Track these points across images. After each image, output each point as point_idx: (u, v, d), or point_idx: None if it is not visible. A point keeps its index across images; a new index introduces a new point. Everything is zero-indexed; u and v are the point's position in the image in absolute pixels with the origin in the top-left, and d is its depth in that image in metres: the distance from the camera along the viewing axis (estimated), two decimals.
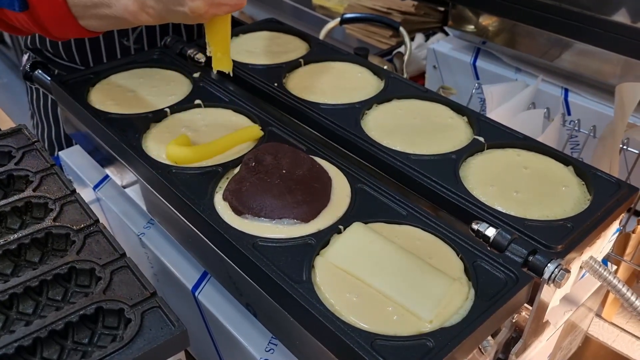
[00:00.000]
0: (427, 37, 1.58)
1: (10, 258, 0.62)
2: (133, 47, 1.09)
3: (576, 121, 1.11)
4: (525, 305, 0.63)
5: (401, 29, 1.24)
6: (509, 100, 1.06)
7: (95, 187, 0.91)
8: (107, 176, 0.92)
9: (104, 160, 0.89)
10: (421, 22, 1.71)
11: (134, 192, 0.86)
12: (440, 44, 1.36)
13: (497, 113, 1.02)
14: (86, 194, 0.92)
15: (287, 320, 0.59)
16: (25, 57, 1.15)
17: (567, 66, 1.17)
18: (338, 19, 1.28)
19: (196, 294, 0.74)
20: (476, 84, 1.24)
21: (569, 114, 1.17)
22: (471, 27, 1.29)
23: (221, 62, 0.80)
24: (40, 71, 0.95)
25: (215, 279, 0.73)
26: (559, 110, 1.16)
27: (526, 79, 1.21)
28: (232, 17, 1.18)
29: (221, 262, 0.67)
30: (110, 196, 0.89)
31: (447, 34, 1.49)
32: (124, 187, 0.87)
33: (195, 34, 1.17)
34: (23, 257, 0.63)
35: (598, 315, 0.96)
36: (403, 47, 1.48)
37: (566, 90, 1.17)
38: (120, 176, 0.87)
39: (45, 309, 0.58)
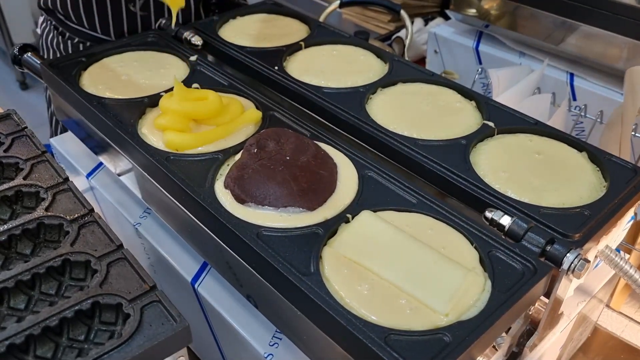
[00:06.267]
0: (426, 22, 1.55)
1: (0, 250, 0.59)
2: (140, 14, 1.06)
3: (582, 106, 1.09)
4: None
5: (402, 12, 1.21)
6: (515, 84, 1.03)
7: (89, 175, 0.88)
8: (100, 164, 0.88)
9: (98, 148, 0.86)
10: (420, 6, 1.67)
11: (129, 180, 0.82)
12: (442, 27, 1.32)
13: (503, 98, 0.99)
14: (79, 183, 0.89)
15: (294, 314, 0.56)
16: (41, 19, 1.17)
17: (572, 50, 1.14)
18: (337, 2, 1.24)
19: (196, 286, 0.71)
20: (479, 69, 1.21)
21: (575, 99, 1.14)
22: (473, 11, 1.26)
23: None
24: (30, 54, 0.91)
25: (216, 269, 0.70)
26: (564, 95, 1.13)
27: (530, 63, 1.18)
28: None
29: (222, 252, 0.64)
30: (104, 184, 0.86)
31: (446, 18, 1.45)
32: (119, 175, 0.84)
33: (193, 16, 1.13)
34: (14, 249, 0.60)
35: (607, 305, 0.93)
36: (403, 31, 1.44)
37: (571, 75, 1.14)
38: (115, 164, 0.83)
39: (38, 304, 0.55)
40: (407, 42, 1.23)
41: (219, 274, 0.70)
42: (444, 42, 1.30)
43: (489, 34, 1.26)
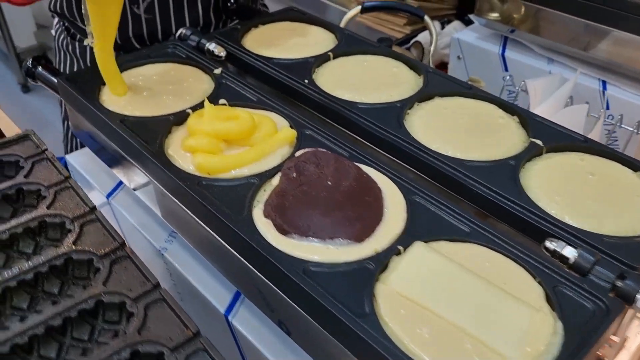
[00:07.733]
0: (443, 25, 1.51)
1: (25, 290, 0.54)
2: (144, 17, 1.01)
3: (618, 116, 1.04)
4: None
5: (426, 17, 1.16)
6: (550, 95, 0.99)
7: (109, 195, 0.83)
8: (120, 183, 0.84)
9: (112, 161, 0.81)
10: (435, 9, 1.63)
11: (145, 195, 0.77)
12: (465, 33, 1.28)
13: (539, 110, 0.95)
14: (95, 199, 0.84)
15: (345, 357, 0.52)
16: (55, 20, 1.15)
17: (604, 56, 1.09)
18: (358, 8, 1.19)
19: (230, 318, 0.66)
20: (507, 77, 1.16)
21: (607, 108, 1.10)
22: (496, 15, 1.21)
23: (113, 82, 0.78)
24: (44, 68, 0.86)
25: (245, 295, 0.66)
26: (596, 104, 1.09)
27: (560, 70, 1.14)
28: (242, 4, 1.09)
29: (262, 288, 0.59)
30: (126, 205, 0.81)
31: (463, 21, 1.41)
32: (134, 189, 0.79)
33: (201, 20, 1.08)
34: (40, 287, 0.55)
35: None
36: (421, 35, 1.40)
37: (604, 83, 1.10)
38: (129, 178, 0.78)
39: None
40: (432, 48, 1.18)
41: (249, 299, 0.65)
42: (467, 48, 1.26)
43: (515, 39, 1.21)
